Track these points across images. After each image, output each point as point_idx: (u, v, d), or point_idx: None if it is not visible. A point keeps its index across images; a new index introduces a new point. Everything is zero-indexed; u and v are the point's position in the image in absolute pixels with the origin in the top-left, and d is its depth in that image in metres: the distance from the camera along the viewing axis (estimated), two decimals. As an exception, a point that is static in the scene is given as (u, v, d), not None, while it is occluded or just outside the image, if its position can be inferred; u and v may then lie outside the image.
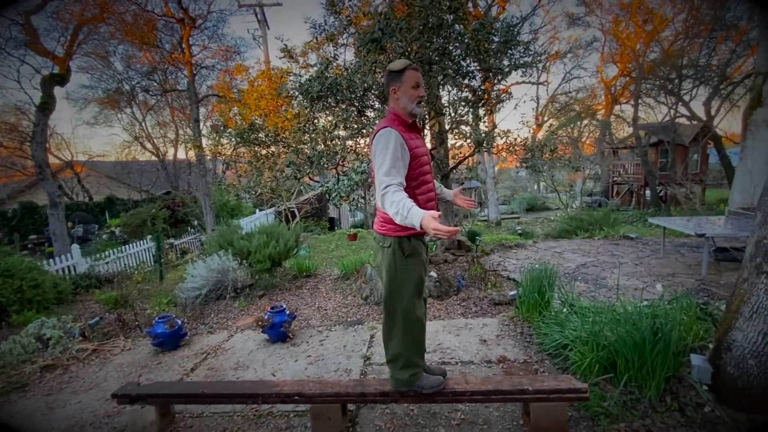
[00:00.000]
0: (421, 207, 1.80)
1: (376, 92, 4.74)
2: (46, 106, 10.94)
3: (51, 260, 7.17)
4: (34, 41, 11.27)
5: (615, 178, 22.23)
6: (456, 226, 6.95)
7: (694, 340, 2.67)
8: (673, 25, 16.23)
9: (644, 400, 2.28)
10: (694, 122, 17.16)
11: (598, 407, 2.23)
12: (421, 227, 1.55)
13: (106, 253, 8.28)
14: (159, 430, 2.36)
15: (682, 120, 17.35)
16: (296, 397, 2.15)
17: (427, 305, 2.29)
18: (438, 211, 1.71)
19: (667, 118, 16.83)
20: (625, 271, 5.26)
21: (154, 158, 23.40)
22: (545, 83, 22.87)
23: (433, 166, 5.69)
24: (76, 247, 7.84)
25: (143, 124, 22.67)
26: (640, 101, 17.72)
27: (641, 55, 16.56)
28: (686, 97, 15.92)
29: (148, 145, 23.25)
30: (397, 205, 1.64)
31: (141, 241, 9.46)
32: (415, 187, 1.93)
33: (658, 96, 17.34)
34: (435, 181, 2.34)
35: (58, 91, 11.60)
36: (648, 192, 18.54)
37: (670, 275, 4.99)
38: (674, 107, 16.14)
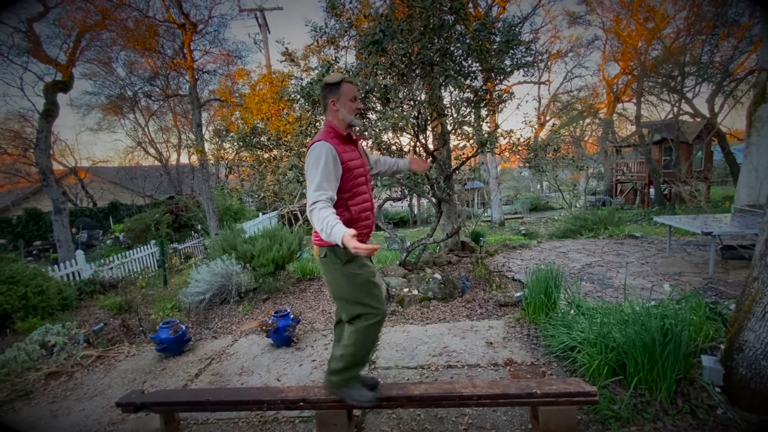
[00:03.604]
0: (353, 218, 1.95)
1: (378, 94, 4.72)
2: (50, 113, 11.01)
3: (55, 266, 7.19)
4: (36, 48, 11.33)
5: (618, 177, 22.10)
6: (459, 226, 6.92)
7: (705, 341, 2.63)
8: (674, 23, 16.16)
9: (655, 403, 2.24)
10: (698, 119, 17.05)
11: (607, 410, 2.20)
12: (342, 245, 1.64)
13: (110, 258, 8.29)
14: (164, 437, 2.34)
15: (686, 117, 17.25)
16: (301, 403, 2.13)
17: (388, 308, 2.26)
18: (369, 219, 2.01)
19: (670, 115, 16.73)
20: (632, 270, 5.21)
21: (157, 163, 23.49)
22: (547, 83, 22.82)
23: (436, 167, 5.68)
24: (80, 253, 7.86)
25: (146, 130, 22.79)
26: (642, 99, 17.62)
27: (643, 52, 16.46)
28: (689, 95, 15.82)
29: (151, 150, 23.36)
30: (322, 222, 1.71)
31: (145, 246, 9.47)
32: (348, 198, 1.96)
33: (660, 94, 17.25)
34: (390, 158, 2.52)
35: (61, 97, 11.67)
36: (652, 190, 18.42)
37: (677, 274, 4.94)
38: (677, 105, 16.04)
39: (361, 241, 1.98)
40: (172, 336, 3.65)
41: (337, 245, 1.89)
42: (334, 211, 1.78)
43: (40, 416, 2.84)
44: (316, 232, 1.99)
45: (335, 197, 1.86)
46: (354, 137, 2.08)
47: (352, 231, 1.64)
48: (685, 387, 2.32)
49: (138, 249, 9.23)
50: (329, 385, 2.11)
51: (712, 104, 15.50)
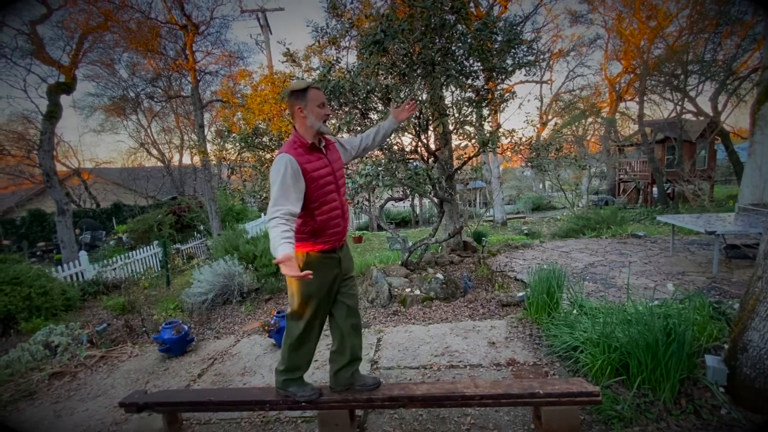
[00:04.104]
0: (318, 228, 1.98)
1: (379, 94, 4.72)
2: (53, 115, 11.06)
3: (59, 267, 7.22)
4: (39, 50, 11.40)
5: (621, 176, 22.02)
6: (461, 226, 6.91)
7: (708, 341, 2.61)
8: (677, 21, 16.07)
9: (658, 403, 2.23)
10: (701, 118, 16.97)
11: (610, 410, 2.19)
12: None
13: (114, 259, 8.33)
14: (166, 437, 2.35)
15: (689, 116, 17.17)
16: (303, 404, 2.13)
17: (358, 318, 2.28)
18: (339, 227, 2.03)
19: (674, 114, 16.66)
20: (635, 270, 5.19)
21: (159, 164, 23.54)
22: (549, 82, 22.68)
23: (437, 166, 5.68)
24: (83, 254, 7.89)
25: (148, 131, 22.84)
26: (645, 98, 17.53)
27: (645, 51, 16.39)
28: (692, 93, 15.74)
29: (154, 151, 23.41)
30: (272, 241, 1.74)
31: (148, 247, 9.51)
32: (315, 208, 1.96)
33: (663, 92, 17.15)
34: (371, 129, 2.43)
35: (64, 99, 11.74)
36: (655, 189, 18.34)
37: (680, 274, 4.92)
38: (680, 103, 15.95)
39: (333, 248, 2.06)
40: (175, 336, 3.66)
41: (297, 253, 1.96)
42: (287, 227, 1.76)
43: (43, 416, 2.85)
44: None
45: (295, 210, 1.84)
46: (323, 143, 2.06)
47: (288, 256, 1.66)
48: (688, 387, 2.31)
49: (141, 250, 9.27)
50: (276, 387, 2.20)
51: (715, 103, 15.43)
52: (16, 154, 16.65)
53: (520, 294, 4.27)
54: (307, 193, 1.91)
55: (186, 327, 3.82)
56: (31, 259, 13.80)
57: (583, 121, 22.63)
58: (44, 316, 5.34)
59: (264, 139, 7.78)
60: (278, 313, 3.73)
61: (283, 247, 1.68)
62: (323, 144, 2.06)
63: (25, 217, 17.22)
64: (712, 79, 15.24)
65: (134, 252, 9.07)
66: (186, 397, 2.42)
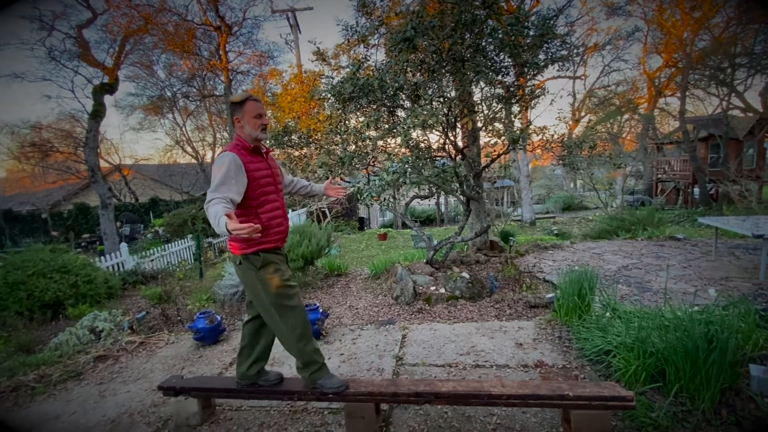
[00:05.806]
0: (264, 225, 2.03)
1: (407, 92, 4.71)
2: (98, 114, 11.73)
3: (102, 257, 7.67)
4: (86, 53, 12.11)
5: (659, 176, 20.96)
6: (488, 225, 6.81)
7: (754, 350, 2.48)
8: (724, 11, 15.09)
9: (697, 412, 2.13)
10: (750, 114, 15.93)
11: (645, 418, 2.11)
12: (228, 231, 1.62)
13: (151, 251, 8.75)
14: (201, 421, 2.46)
15: (736, 112, 16.17)
16: (330, 395, 2.18)
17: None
18: (281, 226, 2.13)
19: (719, 110, 15.71)
20: (673, 274, 4.96)
21: (193, 161, 24.52)
22: (582, 77, 21.84)
23: (465, 164, 5.62)
24: (124, 246, 8.34)
25: (183, 129, 23.84)
26: (687, 93, 16.62)
27: (689, 43, 15.52)
28: (740, 88, 14.83)
29: (188, 149, 24.42)
30: (212, 216, 1.72)
31: (182, 240, 9.92)
32: (257, 206, 2.07)
33: (708, 87, 16.23)
34: (305, 181, 2.64)
35: (107, 99, 12.43)
36: (697, 190, 17.38)
37: (723, 279, 4.66)
38: (726, 98, 15.03)
39: (276, 247, 2.13)
40: (209, 326, 3.81)
41: (250, 254, 2.03)
42: (228, 207, 1.79)
43: (89, 396, 3.05)
44: (231, 241, 2.07)
45: (236, 199, 1.91)
46: (263, 150, 2.17)
47: (230, 212, 1.69)
48: (730, 397, 2.20)
49: (176, 243, 9.69)
50: (305, 382, 2.26)
51: (765, 98, 14.43)
52: (64, 151, 17.77)
53: (549, 295, 4.17)
54: (249, 190, 2.01)
55: (218, 317, 3.97)
56: (77, 249, 14.68)
57: (619, 117, 21.72)
58: (89, 303, 5.68)
59: (293, 137, 7.94)
60: (305, 306, 3.82)
61: (224, 217, 1.65)
62: (264, 150, 2.18)
63: (71, 210, 18.37)
64: (762, 73, 14.28)
65: (170, 245, 9.48)
66: (220, 384, 2.52)
